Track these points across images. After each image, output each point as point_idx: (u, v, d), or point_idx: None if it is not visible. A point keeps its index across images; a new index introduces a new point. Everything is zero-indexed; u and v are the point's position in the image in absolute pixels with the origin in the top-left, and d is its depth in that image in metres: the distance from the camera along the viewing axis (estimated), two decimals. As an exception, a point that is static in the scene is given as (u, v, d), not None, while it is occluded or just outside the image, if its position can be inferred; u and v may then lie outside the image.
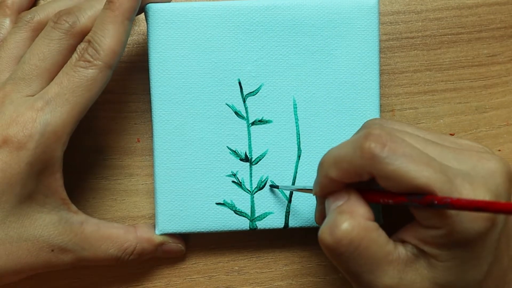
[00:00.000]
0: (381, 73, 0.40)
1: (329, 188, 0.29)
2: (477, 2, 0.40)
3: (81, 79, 0.32)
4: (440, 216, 0.25)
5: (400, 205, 0.26)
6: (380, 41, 0.36)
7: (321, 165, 0.29)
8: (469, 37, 0.40)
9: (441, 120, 0.40)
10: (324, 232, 0.27)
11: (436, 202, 0.24)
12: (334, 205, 0.28)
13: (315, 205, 0.36)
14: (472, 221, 0.25)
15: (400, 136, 0.27)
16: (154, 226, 0.37)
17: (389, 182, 0.26)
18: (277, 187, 0.36)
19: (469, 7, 0.40)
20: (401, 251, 0.27)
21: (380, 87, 0.40)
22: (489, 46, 0.40)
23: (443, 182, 0.25)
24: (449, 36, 0.40)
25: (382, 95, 0.40)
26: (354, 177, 0.27)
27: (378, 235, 0.27)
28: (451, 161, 0.27)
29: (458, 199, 0.24)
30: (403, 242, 0.28)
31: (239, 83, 0.36)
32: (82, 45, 0.32)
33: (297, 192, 0.36)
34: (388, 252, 0.27)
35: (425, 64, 0.40)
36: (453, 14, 0.40)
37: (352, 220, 0.27)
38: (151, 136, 0.38)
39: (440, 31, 0.40)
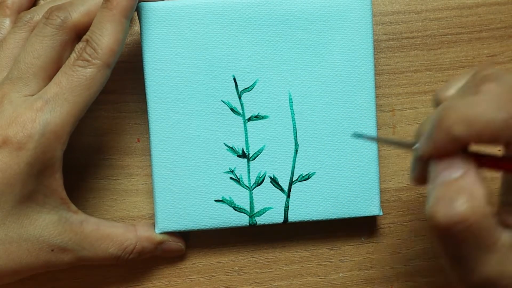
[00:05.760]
0: (381, 73, 0.40)
1: (447, 149, 0.25)
2: (477, 2, 0.40)
3: (80, 79, 0.32)
4: None
5: None
6: (374, 34, 0.36)
7: (441, 121, 0.24)
8: (469, 37, 0.40)
9: (441, 120, 0.40)
10: (437, 210, 0.24)
11: None
12: (448, 175, 0.24)
13: (314, 199, 0.36)
14: None
15: None
16: (154, 225, 0.37)
17: None
18: (361, 136, 0.34)
19: (469, 7, 0.40)
20: (506, 238, 0.25)
21: (380, 87, 0.40)
22: (489, 46, 0.40)
23: None
24: (449, 36, 0.40)
25: (382, 95, 0.40)
26: (486, 141, 0.24)
27: (493, 222, 0.24)
28: None
29: None
30: (506, 225, 0.25)
31: (234, 79, 0.36)
32: (81, 45, 0.33)
33: (295, 187, 0.36)
34: (497, 239, 0.24)
35: (425, 64, 0.40)
36: (453, 14, 0.40)
37: (473, 203, 0.23)
38: (151, 136, 0.38)
39: (440, 31, 0.40)
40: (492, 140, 0.23)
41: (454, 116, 0.24)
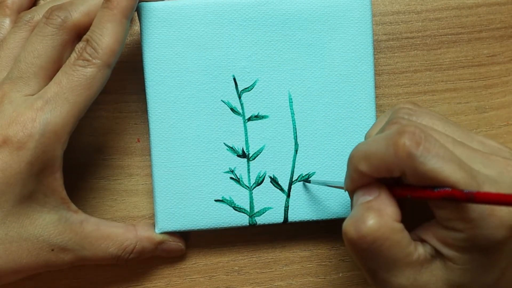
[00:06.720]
0: (381, 73, 0.40)
1: (359, 182, 0.28)
2: (477, 2, 0.40)
3: (80, 78, 0.32)
4: (462, 220, 0.25)
5: (425, 199, 0.26)
6: (374, 34, 0.36)
7: (350, 160, 0.28)
8: (469, 37, 0.40)
9: (441, 120, 0.40)
10: (348, 225, 0.27)
11: (462, 196, 0.24)
12: (363, 199, 0.28)
13: (314, 199, 0.36)
14: (494, 228, 0.25)
15: (432, 134, 0.27)
16: (154, 225, 0.37)
17: (419, 180, 0.25)
18: (308, 181, 0.36)
19: (469, 7, 0.40)
20: (420, 252, 0.27)
21: (380, 87, 0.40)
22: (489, 46, 0.40)
23: (472, 186, 0.25)
24: (449, 36, 0.40)
25: (382, 95, 0.40)
26: (385, 173, 0.27)
27: (402, 237, 0.27)
28: (478, 165, 0.26)
29: (483, 192, 0.24)
30: (421, 241, 0.28)
31: (234, 79, 0.36)
32: (81, 44, 0.33)
33: (295, 186, 0.36)
34: (409, 253, 0.27)
35: (425, 64, 0.40)
36: (453, 14, 0.40)
37: (379, 218, 0.26)
38: (151, 136, 0.38)
39: (440, 31, 0.40)
40: (388, 172, 0.26)
41: (358, 155, 0.27)
